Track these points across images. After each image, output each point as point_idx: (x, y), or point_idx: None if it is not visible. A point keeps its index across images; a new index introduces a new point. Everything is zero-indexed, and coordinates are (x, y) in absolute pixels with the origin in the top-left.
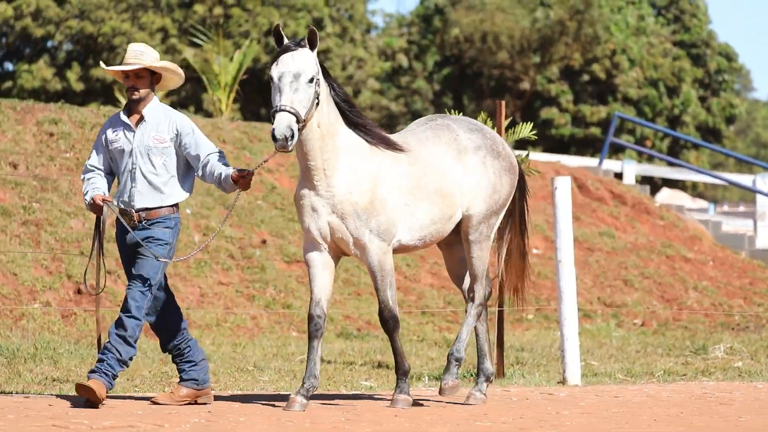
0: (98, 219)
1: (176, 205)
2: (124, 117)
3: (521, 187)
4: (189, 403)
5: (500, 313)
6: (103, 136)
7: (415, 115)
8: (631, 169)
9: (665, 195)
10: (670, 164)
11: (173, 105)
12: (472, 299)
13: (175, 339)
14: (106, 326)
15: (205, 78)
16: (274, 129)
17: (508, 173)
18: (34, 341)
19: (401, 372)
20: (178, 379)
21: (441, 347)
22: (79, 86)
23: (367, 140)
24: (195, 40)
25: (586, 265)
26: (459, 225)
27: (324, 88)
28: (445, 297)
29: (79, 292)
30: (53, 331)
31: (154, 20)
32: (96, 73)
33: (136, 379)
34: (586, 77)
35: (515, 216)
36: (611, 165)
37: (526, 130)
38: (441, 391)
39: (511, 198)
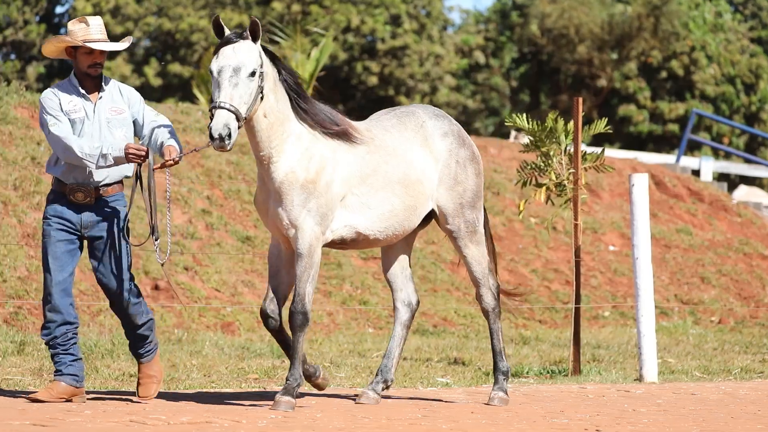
0: (139, 173)
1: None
2: (77, 86)
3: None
4: (67, 400)
5: (576, 311)
6: (58, 103)
7: (493, 112)
8: (709, 166)
9: (742, 192)
10: (748, 161)
11: None
12: (483, 306)
13: (65, 327)
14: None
15: None
16: (210, 127)
17: (472, 163)
18: (111, 337)
19: (292, 377)
20: (54, 374)
21: (517, 344)
22: (156, 82)
23: (315, 130)
24: (272, 37)
25: (663, 263)
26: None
27: (271, 77)
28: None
29: (156, 288)
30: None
31: (232, 17)
32: (173, 69)
33: (213, 375)
34: (664, 74)
35: None
36: (689, 162)
37: (601, 126)
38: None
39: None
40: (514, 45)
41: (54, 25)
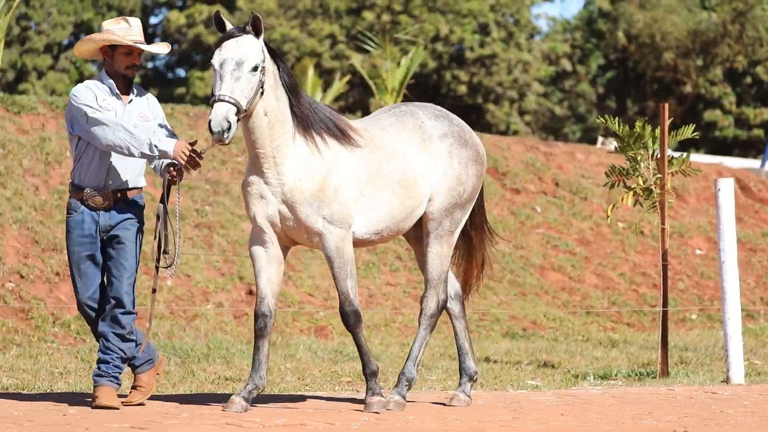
0: (171, 181)
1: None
2: (112, 85)
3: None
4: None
5: (664, 314)
6: (94, 97)
7: (579, 119)
8: None
9: None
10: None
11: (341, 110)
12: (422, 310)
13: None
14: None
15: (373, 83)
16: (210, 120)
17: (474, 163)
18: (207, 341)
19: (369, 372)
20: (133, 370)
21: (605, 347)
22: None
23: (315, 131)
24: (363, 45)
25: (749, 266)
26: (421, 218)
27: (272, 74)
28: (609, 297)
29: (250, 293)
30: (226, 331)
31: (323, 27)
32: None
33: (307, 378)
34: (749, 80)
35: (475, 208)
36: None
37: (688, 132)
38: (385, 405)
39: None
40: (600, 52)
41: (148, 36)
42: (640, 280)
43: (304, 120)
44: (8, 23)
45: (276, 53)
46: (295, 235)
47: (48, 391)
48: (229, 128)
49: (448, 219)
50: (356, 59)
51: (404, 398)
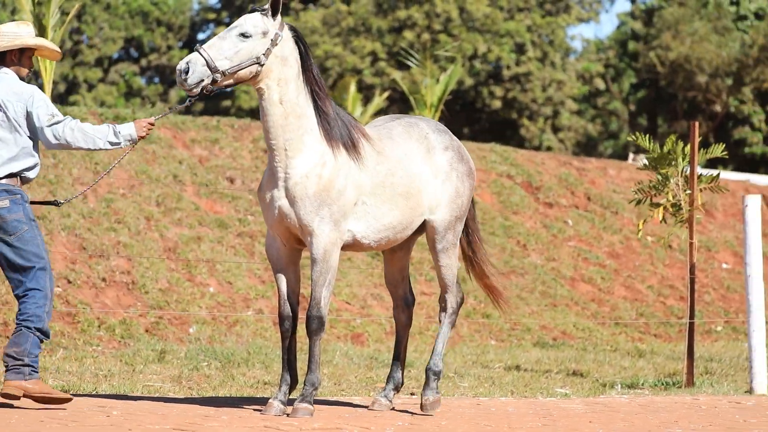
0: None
1: None
2: None
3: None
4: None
5: (691, 325)
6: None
7: (611, 136)
8: None
9: None
10: None
11: None
12: (444, 309)
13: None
14: None
15: (412, 98)
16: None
17: (468, 178)
18: (247, 346)
19: (309, 381)
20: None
21: (633, 357)
22: None
23: (331, 135)
24: (404, 61)
25: None
26: (424, 231)
27: (293, 64)
28: (637, 309)
29: None
30: (265, 337)
31: (365, 44)
32: None
33: (343, 383)
34: None
35: (468, 220)
36: None
37: (718, 150)
38: (422, 407)
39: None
40: (632, 72)
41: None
42: (668, 293)
43: (326, 120)
44: (61, 37)
45: (307, 52)
46: (293, 229)
47: (93, 392)
48: (186, 71)
49: (451, 232)
50: (397, 75)
51: (390, 400)
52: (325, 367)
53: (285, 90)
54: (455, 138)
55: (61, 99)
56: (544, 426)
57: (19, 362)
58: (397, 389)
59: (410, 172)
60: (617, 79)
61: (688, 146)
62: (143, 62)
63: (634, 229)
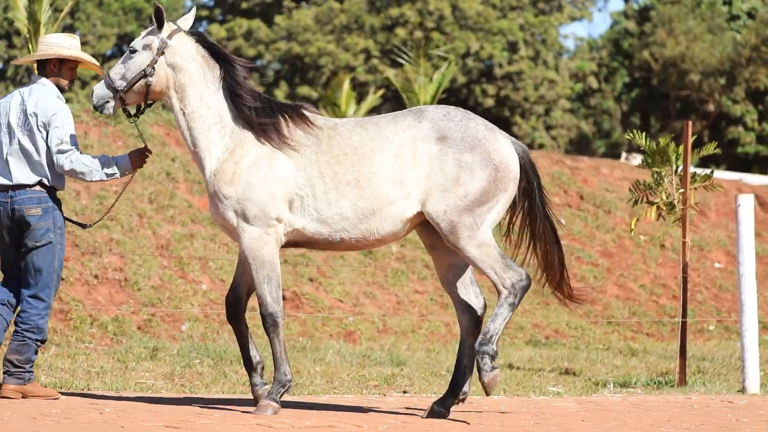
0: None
1: None
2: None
3: (528, 179)
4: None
5: (683, 324)
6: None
7: (605, 135)
8: None
9: None
10: None
11: None
12: (502, 290)
13: None
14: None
15: (405, 96)
16: None
17: (484, 168)
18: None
19: (278, 379)
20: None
21: (625, 356)
22: None
23: (244, 132)
24: (397, 60)
25: (767, 279)
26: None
27: (190, 71)
28: (630, 308)
29: (282, 298)
30: (258, 335)
31: (358, 42)
32: (302, 91)
33: (335, 381)
34: None
35: (528, 208)
36: None
37: (710, 148)
38: (486, 388)
39: (506, 193)
40: (625, 70)
41: None
42: (660, 292)
43: (245, 117)
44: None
45: (215, 48)
46: (224, 227)
47: (85, 389)
48: (92, 95)
49: (460, 225)
50: (390, 73)
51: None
52: (318, 365)
53: (183, 96)
54: (463, 125)
55: None
56: (536, 425)
57: (21, 369)
58: (455, 396)
59: (367, 160)
60: (610, 78)
61: (681, 145)
62: None
63: (627, 228)
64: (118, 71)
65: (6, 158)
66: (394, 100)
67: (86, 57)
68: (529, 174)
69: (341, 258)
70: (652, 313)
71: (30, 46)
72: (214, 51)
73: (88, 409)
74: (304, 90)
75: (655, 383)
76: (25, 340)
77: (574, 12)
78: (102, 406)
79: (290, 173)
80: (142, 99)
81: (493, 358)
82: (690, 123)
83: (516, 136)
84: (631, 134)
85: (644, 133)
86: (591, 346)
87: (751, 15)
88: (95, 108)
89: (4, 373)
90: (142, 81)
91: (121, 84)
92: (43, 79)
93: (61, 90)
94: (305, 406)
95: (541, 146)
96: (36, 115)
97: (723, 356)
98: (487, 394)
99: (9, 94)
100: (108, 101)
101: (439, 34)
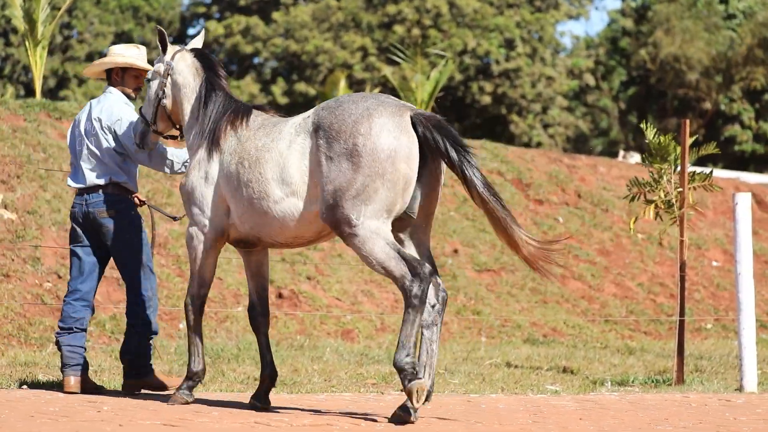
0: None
1: None
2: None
3: (435, 141)
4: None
5: (681, 323)
6: None
7: (602, 133)
8: None
9: None
10: None
11: None
12: (401, 290)
13: None
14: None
15: (402, 94)
16: None
17: (349, 157)
18: (237, 342)
19: (189, 371)
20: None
21: (623, 354)
22: (283, 100)
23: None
24: (394, 58)
25: (764, 278)
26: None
27: (186, 85)
28: (627, 306)
29: (280, 296)
30: (247, 330)
31: (355, 39)
32: (299, 89)
33: (333, 380)
34: (767, 96)
35: (454, 169)
36: None
37: (710, 148)
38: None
39: (383, 177)
40: (623, 69)
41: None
42: (658, 290)
43: (202, 122)
44: (52, 32)
45: (209, 66)
46: None
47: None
48: (134, 134)
49: (336, 216)
50: (387, 71)
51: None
52: (316, 363)
53: (182, 113)
54: (345, 110)
55: (51, 94)
56: (534, 423)
57: (136, 365)
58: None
59: (265, 160)
60: (607, 76)
61: (679, 146)
62: None
63: (625, 227)
64: (145, 105)
65: (79, 163)
66: None
67: (141, 64)
68: (435, 135)
69: (339, 256)
70: (650, 311)
71: (27, 44)
72: (208, 64)
73: (86, 408)
74: (301, 87)
75: (652, 382)
76: (134, 335)
77: (571, 10)
78: (100, 404)
79: (215, 176)
80: (170, 123)
81: (410, 371)
82: (687, 122)
83: (513, 135)
84: (644, 125)
85: (651, 124)
86: (588, 345)
87: (747, 14)
88: (139, 146)
89: (123, 370)
90: (160, 107)
91: (149, 115)
92: (110, 88)
93: (129, 97)
94: (303, 404)
95: (538, 144)
96: (100, 120)
97: (720, 355)
98: (413, 402)
99: (84, 107)
100: (146, 135)
101: (436, 31)
